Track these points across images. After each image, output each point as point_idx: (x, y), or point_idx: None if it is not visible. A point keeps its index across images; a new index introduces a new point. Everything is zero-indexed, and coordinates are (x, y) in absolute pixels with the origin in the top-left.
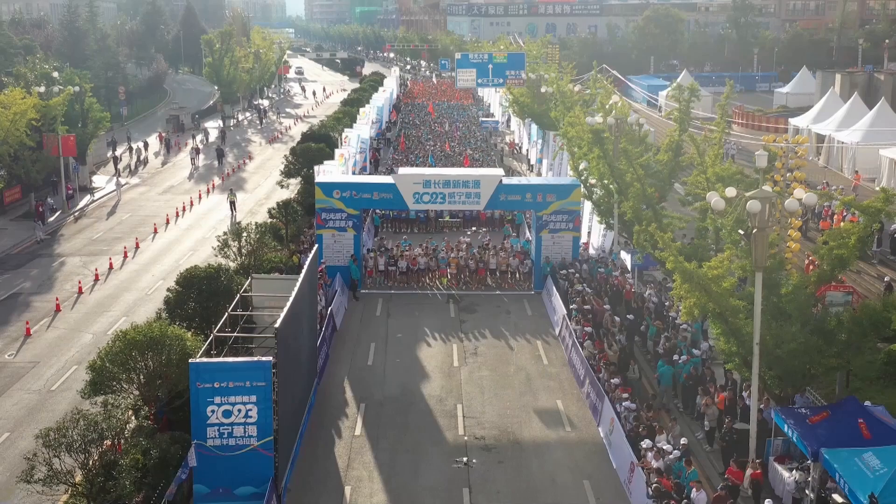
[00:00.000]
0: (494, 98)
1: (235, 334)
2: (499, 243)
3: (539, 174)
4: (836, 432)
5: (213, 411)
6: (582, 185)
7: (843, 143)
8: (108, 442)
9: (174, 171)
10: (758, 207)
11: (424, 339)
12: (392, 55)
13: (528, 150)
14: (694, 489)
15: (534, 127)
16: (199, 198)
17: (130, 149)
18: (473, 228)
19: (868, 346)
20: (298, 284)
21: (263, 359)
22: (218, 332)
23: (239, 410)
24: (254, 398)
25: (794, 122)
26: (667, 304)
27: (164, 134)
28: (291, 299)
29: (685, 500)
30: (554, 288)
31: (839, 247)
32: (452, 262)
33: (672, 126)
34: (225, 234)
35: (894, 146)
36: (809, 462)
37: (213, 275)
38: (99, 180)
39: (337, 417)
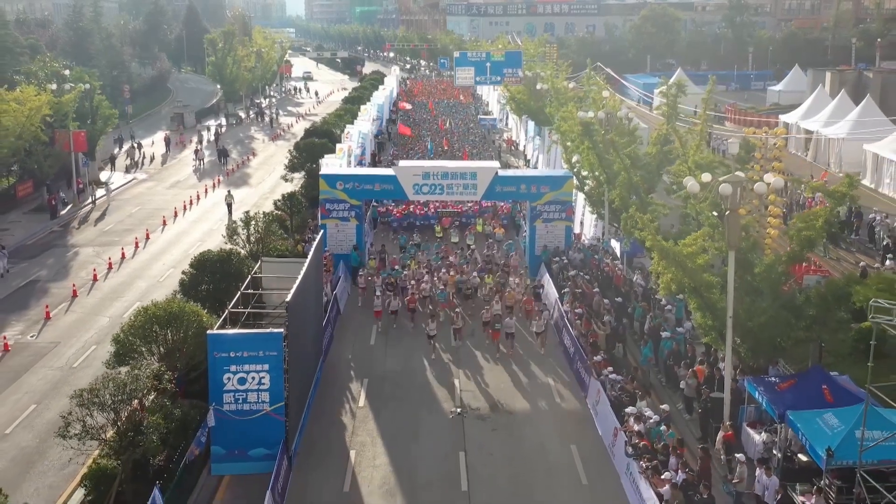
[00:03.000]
0: (492, 96)
1: (248, 310)
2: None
3: (535, 168)
4: (802, 397)
5: (228, 379)
6: (574, 177)
7: (827, 136)
8: (136, 402)
9: (180, 166)
10: (729, 190)
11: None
12: (392, 54)
13: (524, 147)
14: (671, 453)
15: (530, 123)
16: (206, 192)
17: (133, 147)
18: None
19: (835, 320)
20: (307, 265)
21: (275, 330)
22: (231, 308)
23: (253, 378)
24: (266, 367)
25: (784, 118)
26: (653, 287)
27: (168, 134)
28: (301, 277)
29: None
30: (548, 274)
31: (807, 228)
32: (450, 281)
33: (662, 121)
34: (234, 222)
35: (878, 141)
36: (777, 424)
37: (226, 258)
38: (105, 175)
39: (341, 391)
